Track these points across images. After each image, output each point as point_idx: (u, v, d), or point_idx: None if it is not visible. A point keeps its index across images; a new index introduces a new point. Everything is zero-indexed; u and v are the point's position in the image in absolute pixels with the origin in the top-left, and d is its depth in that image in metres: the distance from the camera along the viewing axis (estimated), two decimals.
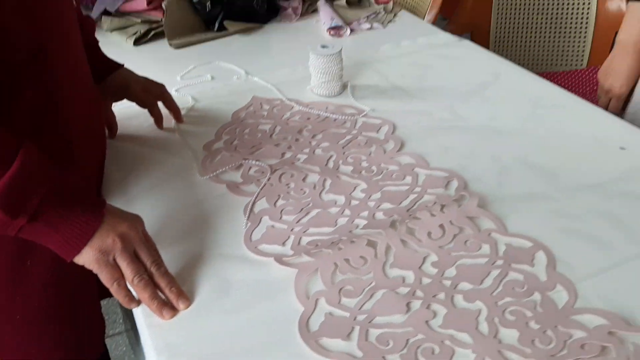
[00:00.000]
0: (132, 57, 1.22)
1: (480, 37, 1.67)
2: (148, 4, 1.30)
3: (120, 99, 0.93)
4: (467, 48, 1.22)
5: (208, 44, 1.30)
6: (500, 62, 1.15)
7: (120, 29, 1.30)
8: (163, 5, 1.29)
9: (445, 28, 1.52)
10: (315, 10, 1.43)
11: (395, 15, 1.40)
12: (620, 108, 1.15)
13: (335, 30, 1.32)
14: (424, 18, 1.52)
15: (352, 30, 1.33)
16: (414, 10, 1.63)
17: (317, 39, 1.31)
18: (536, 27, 1.67)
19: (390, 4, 1.43)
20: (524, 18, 1.66)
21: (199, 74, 1.16)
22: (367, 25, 1.34)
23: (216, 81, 1.14)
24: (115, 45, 1.29)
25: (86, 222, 0.59)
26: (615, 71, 1.15)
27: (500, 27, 1.68)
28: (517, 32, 1.69)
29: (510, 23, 1.67)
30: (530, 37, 1.69)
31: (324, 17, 1.36)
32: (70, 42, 0.72)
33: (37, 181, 0.56)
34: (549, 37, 1.67)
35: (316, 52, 1.03)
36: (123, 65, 0.93)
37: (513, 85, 1.06)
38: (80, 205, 0.60)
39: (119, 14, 1.34)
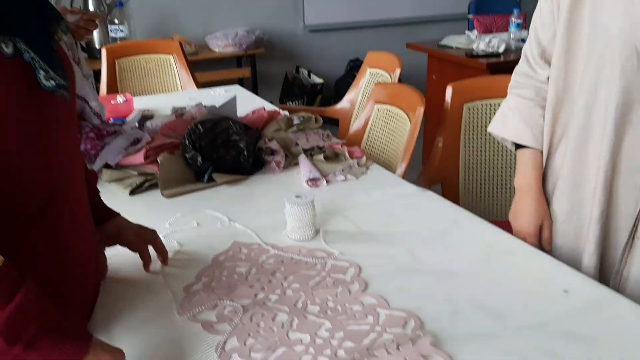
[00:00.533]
0: (126, 205, 1.34)
1: (451, 188, 1.82)
2: (145, 158, 1.46)
3: (114, 244, 1.03)
4: (430, 198, 1.35)
5: (196, 193, 1.43)
6: (459, 211, 1.27)
7: (118, 180, 1.44)
8: (159, 160, 1.45)
9: (417, 180, 1.67)
10: (296, 164, 1.59)
11: (368, 168, 1.55)
12: (536, 244, 1.20)
13: (313, 181, 1.46)
14: (395, 171, 1.68)
15: (328, 182, 1.47)
16: (387, 164, 1.80)
17: (296, 189, 1.44)
18: (501, 179, 1.83)
19: (364, 158, 1.59)
20: (489, 170, 1.83)
21: (187, 221, 1.27)
22: (342, 177, 1.49)
23: (201, 227, 1.24)
24: (113, 194, 1.41)
25: (73, 352, 0.67)
26: (520, 213, 1.23)
27: (468, 179, 1.84)
28: (484, 183, 1.84)
29: (477, 175, 1.84)
30: (497, 187, 1.84)
31: (304, 169, 1.51)
32: (76, 186, 0.84)
33: (34, 314, 0.66)
34: (513, 187, 1.82)
35: (291, 201, 1.16)
36: (119, 214, 1.05)
37: (469, 232, 1.17)
38: (70, 337, 0.68)
39: (118, 167, 1.49)
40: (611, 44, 1.04)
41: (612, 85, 1.04)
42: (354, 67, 4.33)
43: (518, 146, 1.26)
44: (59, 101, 0.77)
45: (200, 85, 2.71)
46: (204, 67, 3.58)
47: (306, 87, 4.23)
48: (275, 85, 4.27)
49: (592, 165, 1.10)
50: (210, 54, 3.72)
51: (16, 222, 0.73)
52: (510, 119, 1.26)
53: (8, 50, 0.68)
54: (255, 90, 3.92)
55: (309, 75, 4.31)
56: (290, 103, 4.20)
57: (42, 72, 0.72)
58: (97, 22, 1.75)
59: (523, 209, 1.23)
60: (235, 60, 3.91)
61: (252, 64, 3.89)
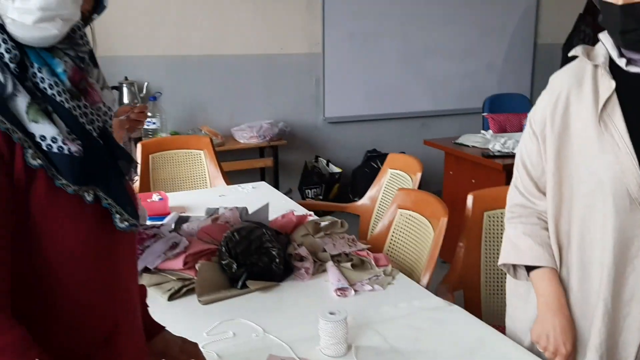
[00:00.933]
0: (165, 310, 1.41)
1: (472, 293, 1.86)
2: (184, 264, 1.54)
3: (160, 359, 1.08)
4: (457, 313, 1.40)
5: (231, 299, 1.50)
6: (484, 327, 1.32)
7: (157, 284, 1.52)
8: (197, 266, 1.53)
9: (438, 287, 1.72)
10: (324, 270, 1.65)
11: (393, 277, 1.62)
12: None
13: (342, 290, 1.53)
14: (419, 279, 1.73)
15: (356, 291, 1.53)
16: (410, 268, 1.86)
17: (326, 298, 1.50)
18: None
19: (390, 267, 1.66)
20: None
21: (223, 330, 1.33)
22: (369, 287, 1.55)
23: (237, 337, 1.30)
24: (152, 299, 1.46)
25: None
26: (553, 333, 1.18)
27: (489, 284, 1.89)
28: (505, 289, 1.89)
29: (498, 281, 1.88)
30: None
31: (332, 278, 1.58)
32: (136, 310, 0.91)
33: None
34: None
35: (325, 318, 1.22)
36: (164, 328, 1.11)
37: (495, 351, 1.22)
38: None
39: (157, 270, 1.57)
40: (602, 186, 1.10)
41: (607, 224, 1.10)
42: (371, 158, 4.49)
43: (529, 271, 1.26)
44: (127, 235, 0.86)
45: (225, 173, 2.82)
46: (229, 157, 3.73)
47: (324, 176, 4.37)
48: (295, 174, 4.41)
49: (593, 296, 1.14)
50: (235, 144, 3.89)
51: (84, 352, 0.79)
52: (522, 244, 1.25)
53: (89, 198, 0.77)
54: (276, 178, 4.06)
55: (327, 165, 4.46)
56: (309, 191, 4.32)
57: (117, 216, 0.81)
58: (146, 113, 1.87)
59: (556, 329, 1.18)
60: (258, 150, 4.08)
61: (274, 154, 4.05)
